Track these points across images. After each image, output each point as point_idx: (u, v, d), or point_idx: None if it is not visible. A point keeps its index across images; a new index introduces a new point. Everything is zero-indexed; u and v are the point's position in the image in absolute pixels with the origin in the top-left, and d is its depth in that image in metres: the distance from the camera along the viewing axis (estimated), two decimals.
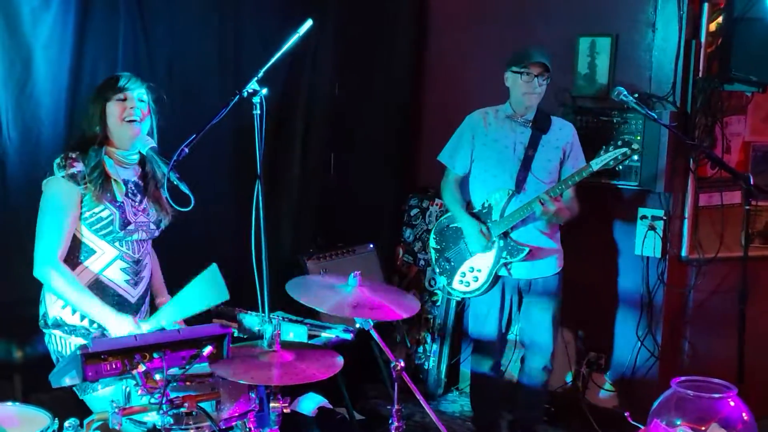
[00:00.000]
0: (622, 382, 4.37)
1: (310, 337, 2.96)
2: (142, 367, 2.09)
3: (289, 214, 4.56)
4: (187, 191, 2.67)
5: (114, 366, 2.06)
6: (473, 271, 3.86)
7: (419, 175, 5.21)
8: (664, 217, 4.09)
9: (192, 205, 2.66)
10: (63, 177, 2.71)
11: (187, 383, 2.33)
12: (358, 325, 2.75)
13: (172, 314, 2.67)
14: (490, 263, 3.80)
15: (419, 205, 5.08)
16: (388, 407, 4.61)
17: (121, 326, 2.64)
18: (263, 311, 2.78)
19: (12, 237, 3.46)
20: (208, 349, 2.18)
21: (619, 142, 3.51)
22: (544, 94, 3.81)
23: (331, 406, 4.03)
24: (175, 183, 2.67)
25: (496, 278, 3.81)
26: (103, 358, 2.04)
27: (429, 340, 4.89)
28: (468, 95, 4.84)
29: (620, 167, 3.78)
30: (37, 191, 3.43)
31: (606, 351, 4.41)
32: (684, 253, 4.19)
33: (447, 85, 5.01)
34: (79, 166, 2.72)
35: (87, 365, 2.01)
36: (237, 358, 2.37)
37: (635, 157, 3.73)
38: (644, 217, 4.14)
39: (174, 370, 2.19)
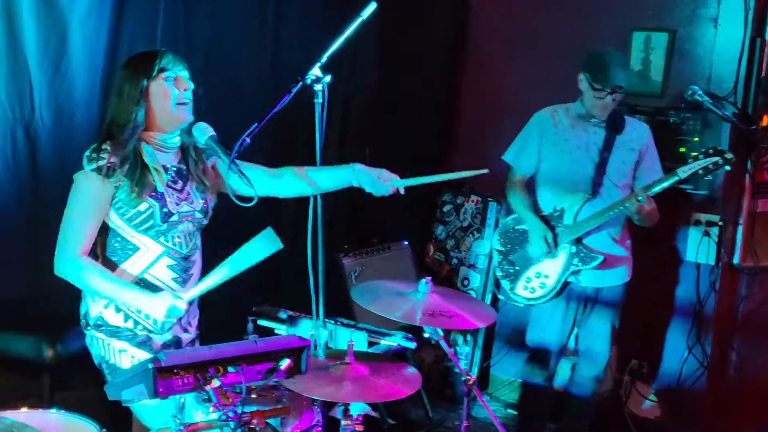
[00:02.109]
0: (667, 392, 4.20)
1: (370, 344, 2.76)
2: (215, 382, 1.88)
3: (323, 209, 4.33)
4: (250, 186, 2.45)
5: (186, 381, 1.85)
6: (540, 276, 3.63)
7: (453, 170, 4.99)
8: (720, 223, 3.92)
9: (255, 200, 2.45)
10: (92, 171, 2.45)
11: (252, 396, 2.13)
12: (426, 334, 2.56)
13: (220, 275, 2.44)
14: (558, 269, 3.57)
15: (453, 201, 4.89)
16: (419, 412, 4.47)
17: (158, 306, 2.40)
18: (317, 315, 2.59)
19: (42, 228, 3.22)
20: (285, 363, 1.98)
21: (710, 150, 3.28)
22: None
23: (375, 414, 3.84)
24: (238, 176, 2.46)
25: (564, 285, 3.59)
26: (175, 372, 1.83)
27: (460, 342, 4.71)
28: (510, 89, 4.65)
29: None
30: (69, 179, 3.24)
31: (650, 359, 4.23)
32: (736, 260, 4.02)
33: (487, 78, 4.80)
34: (110, 158, 2.45)
35: (159, 380, 1.79)
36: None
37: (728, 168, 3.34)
38: (698, 222, 3.97)
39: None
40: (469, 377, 2.53)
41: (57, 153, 3.21)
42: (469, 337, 4.67)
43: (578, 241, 3.53)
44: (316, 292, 2.69)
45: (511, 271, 3.75)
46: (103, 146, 2.47)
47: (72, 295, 3.21)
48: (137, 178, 2.46)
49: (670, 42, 4.07)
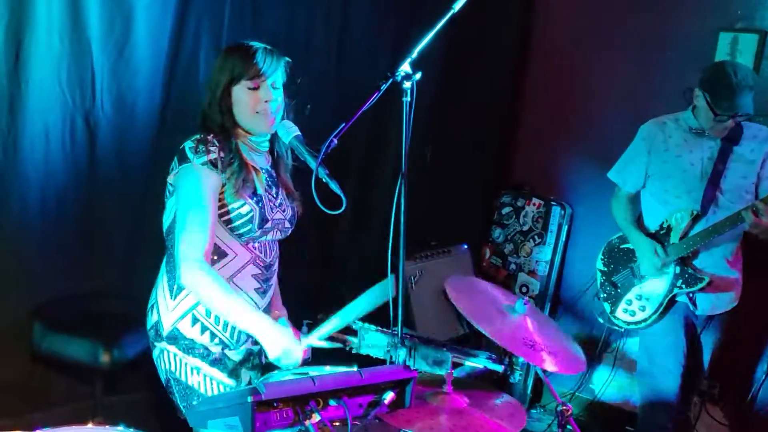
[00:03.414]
0: (737, 416, 3.97)
1: (454, 365, 2.54)
2: (316, 417, 1.69)
3: (381, 211, 4.12)
4: (338, 191, 2.23)
5: (285, 415, 1.66)
6: (641, 299, 3.39)
7: (513, 170, 4.79)
8: None
9: (343, 207, 2.24)
10: (203, 164, 2.22)
11: (335, 423, 1.93)
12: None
13: (339, 322, 2.29)
14: (661, 291, 3.32)
15: (513, 203, 4.66)
16: None
17: (278, 343, 2.20)
18: (395, 330, 2.37)
19: (96, 222, 3.07)
20: (389, 396, 1.78)
21: None
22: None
23: None
24: (324, 181, 2.25)
25: (666, 309, 3.33)
26: (275, 406, 1.63)
27: None
28: (578, 89, 4.44)
29: None
30: (127, 173, 3.07)
31: (723, 380, 4.00)
32: None
33: (552, 78, 4.58)
34: (218, 151, 2.24)
35: (257, 414, 1.60)
36: None
37: None
38: None
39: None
40: (566, 407, 2.32)
41: (116, 145, 3.03)
42: None
43: (684, 261, 3.27)
44: (395, 304, 2.49)
45: (613, 293, 3.51)
46: (210, 138, 2.26)
47: (127, 294, 3.07)
48: (242, 176, 2.26)
49: (760, 44, 3.81)
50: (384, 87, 2.42)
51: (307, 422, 1.68)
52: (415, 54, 2.51)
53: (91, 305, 3.02)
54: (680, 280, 3.28)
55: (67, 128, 2.89)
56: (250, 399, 1.60)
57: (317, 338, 2.33)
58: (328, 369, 2.41)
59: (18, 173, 2.78)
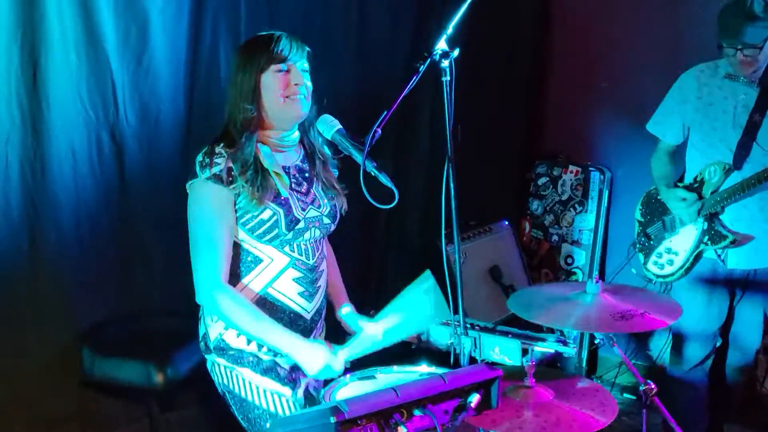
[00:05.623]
0: None
1: (523, 352, 2.43)
2: (401, 430, 1.58)
3: (417, 194, 4.00)
4: (388, 183, 2.11)
5: (370, 431, 1.55)
6: (669, 253, 3.31)
7: (546, 140, 4.64)
8: None
9: (396, 200, 2.12)
10: (208, 179, 2.13)
11: None
12: (599, 340, 2.23)
13: (379, 340, 2.16)
14: (688, 246, 3.23)
15: (548, 173, 4.53)
16: None
17: (313, 359, 2.13)
18: (456, 320, 2.26)
19: (132, 239, 2.97)
20: (475, 399, 1.67)
21: None
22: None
23: None
24: (373, 174, 2.13)
25: (692, 264, 3.24)
26: (358, 423, 1.53)
27: None
28: (603, 47, 4.30)
29: None
30: (157, 184, 2.97)
31: None
32: None
33: (576, 40, 4.45)
34: (226, 163, 2.13)
35: None
36: None
37: None
38: None
39: None
40: (649, 386, 2.20)
41: (144, 156, 2.93)
42: None
43: (713, 216, 3.15)
44: (454, 293, 2.38)
45: (647, 244, 3.44)
46: (217, 149, 2.15)
47: (171, 310, 2.97)
48: (259, 183, 2.14)
49: None
50: (422, 68, 2.30)
51: None
52: (450, 29, 2.39)
53: (137, 325, 2.93)
54: (706, 236, 3.17)
55: (93, 145, 2.78)
56: (333, 419, 1.49)
57: (354, 354, 2.21)
58: (395, 369, 2.31)
59: (49, 196, 2.68)
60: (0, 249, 2.56)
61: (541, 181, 4.54)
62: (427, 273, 2.19)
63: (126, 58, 2.78)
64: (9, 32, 2.48)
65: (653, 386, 2.20)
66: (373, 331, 2.25)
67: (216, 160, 2.13)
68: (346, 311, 2.45)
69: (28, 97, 2.57)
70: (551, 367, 4.31)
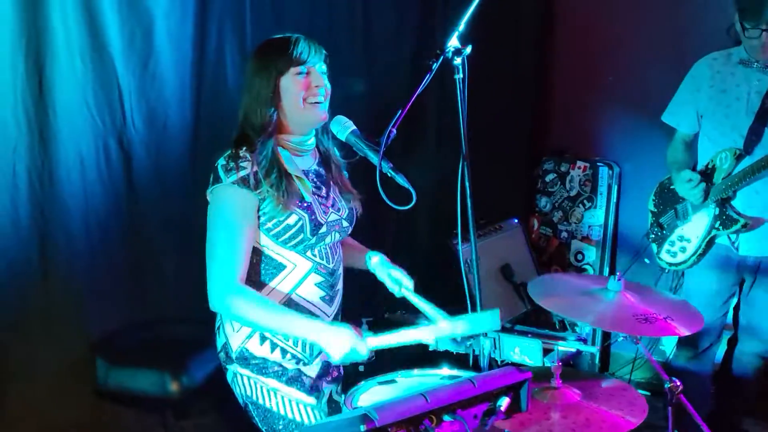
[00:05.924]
0: None
1: (545, 352, 2.40)
2: None
3: (427, 194, 3.95)
4: (406, 184, 2.09)
5: None
6: (681, 240, 3.30)
7: (552, 137, 4.61)
8: None
9: (414, 201, 2.08)
10: (234, 183, 2.09)
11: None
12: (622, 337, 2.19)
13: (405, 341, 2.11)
14: (700, 233, 3.22)
15: (556, 169, 4.49)
16: None
17: (339, 342, 2.03)
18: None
19: (142, 246, 2.93)
20: (505, 402, 1.63)
21: None
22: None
23: None
24: (390, 175, 2.09)
25: (705, 250, 3.23)
26: (389, 431, 1.49)
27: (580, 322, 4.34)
28: (608, 41, 4.26)
29: None
30: (167, 191, 2.93)
31: None
32: None
33: (580, 36, 4.42)
34: (251, 167, 2.10)
35: None
36: None
37: None
38: None
39: None
40: (674, 384, 2.17)
41: (152, 161, 2.88)
42: None
43: (724, 202, 3.15)
44: (471, 292, 2.36)
45: (659, 234, 3.44)
46: (241, 153, 2.12)
47: (185, 318, 2.94)
48: (283, 188, 2.11)
49: None
50: (436, 66, 2.29)
51: None
52: (462, 26, 2.37)
53: (150, 334, 2.89)
54: (718, 222, 3.16)
55: (101, 152, 2.73)
56: (363, 428, 1.46)
57: (383, 344, 2.12)
58: (416, 372, 2.28)
59: (58, 205, 2.63)
60: (10, 258, 2.52)
61: (549, 177, 4.51)
62: (496, 312, 2.12)
63: (132, 62, 2.74)
64: (13, 40, 2.43)
65: (679, 383, 2.17)
66: (430, 332, 2.15)
67: (242, 164, 2.10)
68: (375, 260, 2.39)
69: (34, 105, 2.52)
70: (566, 364, 4.34)
